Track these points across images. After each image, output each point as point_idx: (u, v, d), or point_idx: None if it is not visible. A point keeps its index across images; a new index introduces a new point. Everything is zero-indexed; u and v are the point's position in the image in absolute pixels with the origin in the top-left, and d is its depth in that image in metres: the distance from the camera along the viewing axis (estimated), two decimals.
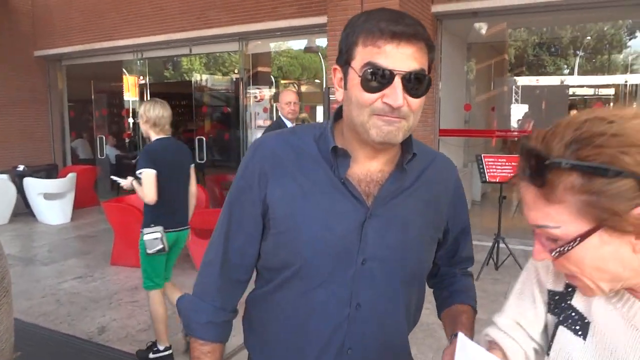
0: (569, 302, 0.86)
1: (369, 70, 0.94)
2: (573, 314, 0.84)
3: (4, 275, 1.00)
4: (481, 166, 4.89)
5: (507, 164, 4.95)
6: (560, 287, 0.88)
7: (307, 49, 11.86)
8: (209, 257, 1.17)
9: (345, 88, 1.02)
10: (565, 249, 0.71)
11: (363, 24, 0.97)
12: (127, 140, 11.39)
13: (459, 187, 1.23)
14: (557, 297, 0.89)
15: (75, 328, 3.98)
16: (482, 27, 9.11)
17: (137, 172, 3.23)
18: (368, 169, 1.08)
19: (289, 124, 4.22)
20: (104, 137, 10.16)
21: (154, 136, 3.34)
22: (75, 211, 8.10)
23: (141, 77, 9.68)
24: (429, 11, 6.38)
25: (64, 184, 7.86)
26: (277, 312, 1.15)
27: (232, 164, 9.40)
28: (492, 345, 0.96)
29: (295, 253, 1.07)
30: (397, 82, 0.94)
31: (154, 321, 3.44)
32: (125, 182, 3.44)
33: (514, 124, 12.37)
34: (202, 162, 8.90)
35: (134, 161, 9.33)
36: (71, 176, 7.97)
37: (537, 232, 0.75)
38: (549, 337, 0.89)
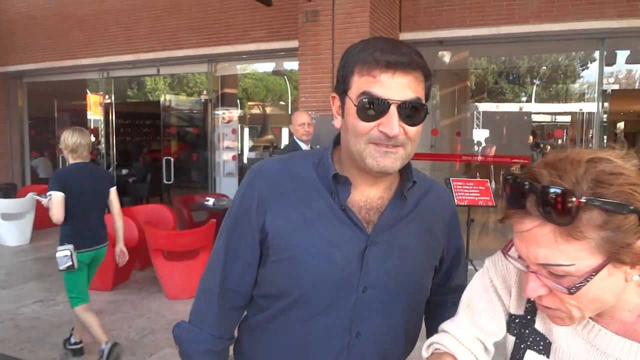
0: (533, 326, 0.90)
1: (364, 100, 0.96)
2: (537, 337, 0.89)
3: None
4: (450, 189, 5.02)
5: (474, 187, 5.10)
6: (521, 311, 0.92)
7: (275, 72, 11.98)
8: (206, 285, 1.17)
9: (343, 116, 1.04)
10: (582, 284, 0.72)
11: (359, 54, 0.99)
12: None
13: (454, 216, 1.26)
14: (517, 321, 0.92)
15: (37, 355, 3.83)
16: (445, 55, 9.42)
17: (47, 194, 3.49)
18: (368, 195, 1.09)
19: (303, 147, 4.20)
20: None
21: (71, 161, 3.57)
22: (35, 232, 7.82)
23: (106, 97, 9.53)
24: (397, 38, 6.58)
25: (23, 204, 7.60)
26: (273, 342, 1.13)
27: (199, 184, 9.31)
28: (444, 357, 0.94)
29: (296, 282, 1.07)
30: (393, 111, 0.95)
31: (90, 329, 3.57)
32: (44, 201, 3.60)
33: (476, 148, 12.70)
34: (170, 182, 8.78)
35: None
36: (31, 196, 7.71)
37: (535, 269, 0.76)
38: (507, 356, 0.93)
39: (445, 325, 1.00)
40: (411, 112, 0.97)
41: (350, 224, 1.07)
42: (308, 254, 1.06)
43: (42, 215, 8.01)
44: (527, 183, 0.73)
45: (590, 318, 0.82)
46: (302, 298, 1.07)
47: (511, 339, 0.93)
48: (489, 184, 5.41)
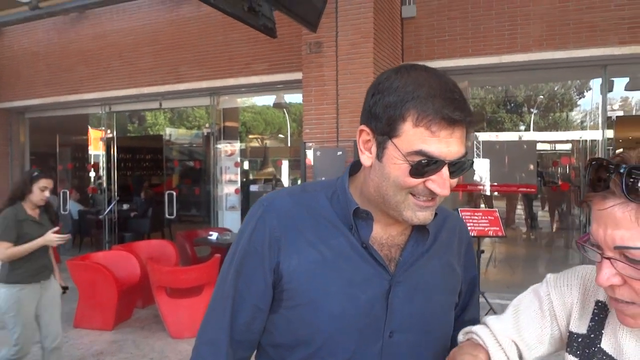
0: (598, 345, 0.85)
1: (423, 162, 0.86)
2: (603, 356, 0.83)
3: None
4: None
5: (483, 217, 5.00)
6: (583, 330, 0.88)
7: (276, 105, 12.04)
8: (211, 335, 1.02)
9: (379, 159, 0.93)
10: None
11: (414, 97, 0.87)
12: (90, 195, 11.05)
13: (470, 245, 1.19)
14: (580, 340, 0.87)
15: None
16: None
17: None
18: (390, 232, 1.01)
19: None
20: (67, 192, 9.82)
21: None
22: None
23: (108, 131, 9.51)
24: None
25: None
26: None
27: (201, 218, 9.21)
28: (478, 349, 0.93)
29: (315, 329, 0.96)
30: (445, 170, 0.88)
31: None
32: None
33: (477, 178, 12.68)
34: (172, 217, 8.67)
35: (100, 217, 9.05)
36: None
37: (610, 255, 0.73)
38: None
39: (488, 319, 0.98)
40: (458, 167, 0.91)
41: (373, 262, 0.97)
42: (329, 297, 0.96)
43: None
44: (611, 163, 0.72)
45: None
46: (324, 348, 0.96)
47: (572, 359, 0.88)
48: (497, 214, 5.32)
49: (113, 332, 5.07)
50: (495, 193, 10.69)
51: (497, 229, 5.08)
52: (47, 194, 3.45)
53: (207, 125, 8.62)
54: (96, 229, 9.62)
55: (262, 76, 7.43)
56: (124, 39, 8.53)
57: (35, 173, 3.48)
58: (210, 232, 6.57)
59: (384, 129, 0.90)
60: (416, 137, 0.86)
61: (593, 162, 0.76)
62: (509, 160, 12.63)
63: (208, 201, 8.44)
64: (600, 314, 0.87)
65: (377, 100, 0.91)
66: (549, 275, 0.97)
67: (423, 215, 0.93)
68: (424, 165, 0.86)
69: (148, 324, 5.33)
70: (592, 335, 0.86)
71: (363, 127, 0.95)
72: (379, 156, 0.92)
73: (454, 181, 0.91)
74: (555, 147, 16.11)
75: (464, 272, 1.15)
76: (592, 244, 0.77)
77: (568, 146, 15.08)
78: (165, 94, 8.36)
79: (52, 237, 3.35)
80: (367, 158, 0.95)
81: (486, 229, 4.99)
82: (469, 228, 4.99)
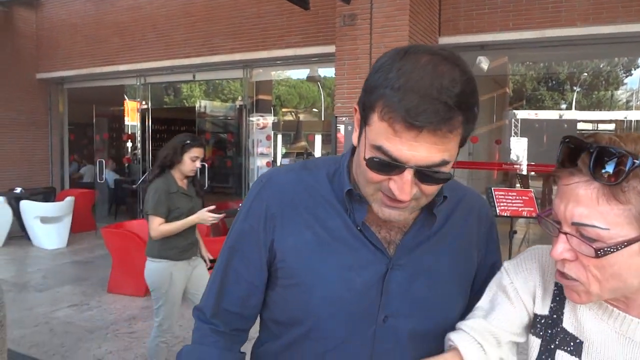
0: (561, 325, 0.87)
1: (375, 160, 0.79)
2: (566, 336, 0.86)
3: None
4: (492, 200, 4.80)
5: (517, 197, 4.87)
6: (545, 311, 0.90)
7: (310, 78, 11.94)
8: (203, 303, 1.05)
9: (358, 144, 0.87)
10: (610, 251, 0.71)
11: (387, 85, 0.76)
12: (126, 165, 11.30)
13: (492, 228, 1.09)
14: (543, 321, 0.89)
15: None
16: (482, 61, 9.18)
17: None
18: None
19: None
20: (103, 162, 10.05)
21: None
22: (72, 236, 7.93)
23: (143, 102, 9.64)
24: (436, 43, 6.40)
25: (62, 207, 7.72)
26: None
27: (233, 190, 9.30)
28: (452, 352, 0.92)
29: (308, 311, 0.94)
30: (407, 175, 0.78)
31: None
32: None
33: (513, 157, 12.40)
34: (204, 188, 8.78)
35: (134, 186, 9.26)
36: (69, 200, 7.83)
37: (567, 230, 0.76)
38: (532, 356, 0.89)
39: (459, 324, 0.96)
40: (431, 174, 0.79)
41: (369, 245, 0.93)
42: (322, 279, 0.93)
43: (79, 219, 8.16)
44: (582, 141, 0.74)
45: (614, 307, 0.81)
46: (316, 329, 0.94)
47: (536, 342, 0.90)
48: (532, 194, 5.17)
49: (145, 299, 5.21)
50: (532, 173, 10.43)
51: (532, 209, 4.94)
52: (198, 164, 3.19)
53: (240, 98, 8.61)
54: (131, 198, 9.86)
55: (295, 49, 7.34)
56: (157, 10, 8.55)
57: (188, 141, 3.16)
58: (241, 204, 6.63)
59: (362, 113, 0.83)
60: (380, 131, 0.78)
61: (566, 140, 0.77)
62: (548, 139, 12.28)
63: (240, 173, 8.50)
64: (560, 294, 0.88)
65: (367, 80, 0.83)
66: (506, 264, 0.96)
67: (389, 213, 0.85)
68: (381, 164, 0.79)
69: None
70: (554, 316, 0.88)
71: (356, 106, 0.88)
72: (358, 140, 0.86)
73: (431, 188, 0.82)
74: (597, 127, 15.56)
75: (484, 256, 1.07)
76: (553, 219, 0.80)
77: (611, 126, 14.57)
78: (199, 66, 8.37)
79: (206, 216, 3.10)
80: (355, 137, 0.89)
81: (520, 209, 4.85)
82: (502, 208, 4.87)
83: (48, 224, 7.63)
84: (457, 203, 1.02)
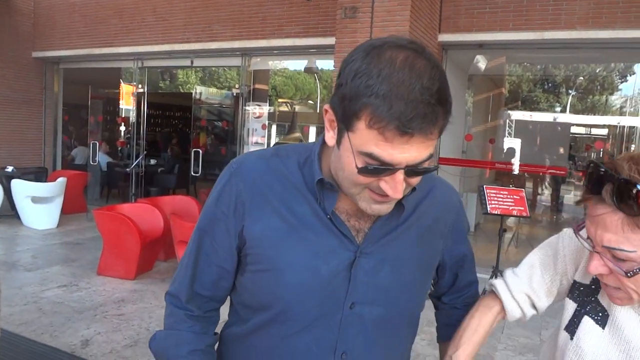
0: (596, 296, 0.99)
1: (370, 168, 0.80)
2: (597, 306, 0.97)
3: None
4: (483, 197, 4.85)
5: (508, 196, 4.91)
6: (587, 281, 1.01)
7: (307, 70, 11.92)
8: (175, 287, 1.06)
9: (338, 147, 0.86)
10: (638, 271, 0.82)
11: (371, 93, 0.76)
12: (120, 148, 11.25)
13: (459, 216, 1.13)
14: (582, 289, 1.01)
15: (58, 340, 3.81)
16: (480, 60, 9.21)
17: None
18: None
19: None
20: (97, 144, 10.01)
21: None
22: (63, 217, 7.90)
23: (139, 86, 9.59)
24: (436, 40, 6.42)
25: (54, 188, 7.68)
26: (252, 357, 1.04)
27: None
28: (496, 301, 1.11)
29: (276, 296, 0.96)
30: (399, 175, 0.81)
31: None
32: None
33: (506, 156, 12.47)
34: (197, 174, 8.79)
35: (127, 170, 9.25)
36: (61, 180, 7.80)
37: (600, 250, 0.86)
38: (564, 320, 1.02)
39: (506, 274, 1.13)
40: (418, 171, 0.83)
41: (338, 233, 0.95)
42: (290, 265, 0.94)
43: (70, 200, 8.14)
44: (605, 171, 0.82)
45: None
46: (283, 313, 0.96)
47: (572, 305, 1.02)
48: (523, 194, 5.21)
49: (134, 282, 5.22)
50: (525, 174, 10.50)
51: (522, 209, 4.99)
52: None
53: (237, 86, 8.58)
54: (123, 182, 9.84)
55: (294, 39, 7.32)
56: None
57: None
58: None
59: (341, 118, 0.82)
60: (369, 138, 0.78)
61: (591, 165, 0.86)
62: (541, 141, 12.36)
63: None
64: None
65: (339, 84, 0.82)
66: (566, 229, 1.08)
67: (378, 208, 0.88)
68: (373, 171, 0.80)
69: (168, 276, 5.47)
70: (593, 287, 1.00)
71: (327, 107, 0.87)
72: (338, 143, 0.86)
73: (416, 180, 0.86)
74: (590, 131, 15.65)
75: (451, 246, 1.12)
76: (588, 236, 0.89)
77: (604, 131, 14.65)
78: (197, 52, 8.34)
79: None
80: (330, 138, 0.88)
81: (510, 208, 4.90)
82: (493, 206, 4.92)
83: (39, 204, 7.60)
84: (426, 193, 1.04)
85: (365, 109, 0.76)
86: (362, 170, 0.81)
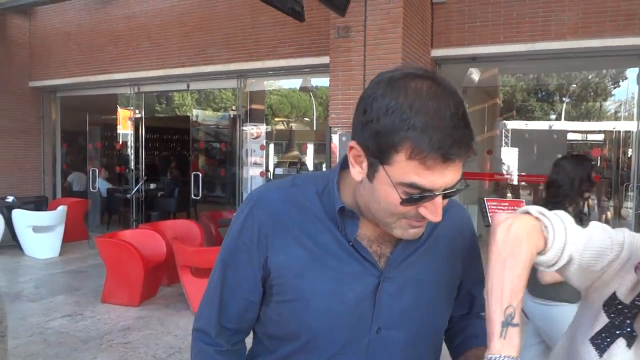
0: (631, 319, 0.90)
1: (415, 197, 0.83)
2: (628, 327, 0.90)
3: (1, 318, 0.91)
4: (484, 209, 4.87)
5: (509, 207, 4.93)
6: (627, 301, 0.91)
7: (302, 88, 12.01)
8: (202, 323, 1.07)
9: (370, 181, 0.88)
10: None
11: (409, 127, 0.79)
12: (119, 174, 11.27)
13: (473, 237, 1.15)
14: (620, 307, 0.92)
15: None
16: (473, 72, 9.30)
17: None
18: (381, 230, 0.98)
19: None
20: (96, 170, 10.03)
21: None
22: (64, 245, 7.89)
23: (137, 111, 9.65)
24: (429, 55, 6.50)
25: (54, 216, 7.69)
26: None
27: (227, 200, 9.32)
28: (541, 238, 0.89)
29: (303, 325, 0.97)
30: (439, 200, 0.85)
31: None
32: None
33: (504, 167, 12.51)
34: (197, 197, 8.80)
35: (127, 195, 9.25)
36: (62, 209, 7.81)
37: None
38: (595, 327, 0.92)
39: (568, 224, 0.91)
40: (453, 193, 0.87)
41: (361, 259, 0.97)
42: (316, 294, 0.96)
43: (71, 228, 8.13)
44: None
45: None
46: (311, 342, 0.98)
47: (604, 318, 0.92)
48: (524, 204, 5.23)
49: (139, 309, 5.20)
50: (523, 183, 10.53)
51: None
52: None
53: (233, 107, 8.65)
54: (124, 207, 9.84)
55: (289, 59, 7.41)
56: (152, 20, 8.59)
57: None
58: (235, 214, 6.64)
59: (375, 153, 0.84)
60: (409, 169, 0.81)
61: None
62: (538, 149, 12.41)
63: (233, 183, 8.52)
64: None
65: (369, 120, 0.84)
66: (628, 231, 0.95)
67: (414, 232, 0.92)
68: (416, 199, 0.84)
69: (173, 301, 5.45)
70: (630, 307, 0.91)
71: (354, 144, 0.89)
72: (370, 177, 0.88)
73: (446, 201, 0.89)
74: (587, 138, 15.73)
75: (469, 267, 1.13)
76: None
77: (600, 137, 14.73)
78: (193, 75, 8.41)
79: None
80: (358, 173, 0.90)
81: None
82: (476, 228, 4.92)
83: (40, 233, 7.59)
84: (442, 215, 1.07)
85: (405, 142, 0.80)
86: (406, 201, 0.84)
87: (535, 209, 0.93)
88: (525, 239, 0.87)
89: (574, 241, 0.92)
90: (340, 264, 0.96)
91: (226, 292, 1.03)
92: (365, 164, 0.88)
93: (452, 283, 1.10)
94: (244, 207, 1.03)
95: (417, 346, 1.03)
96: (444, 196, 0.85)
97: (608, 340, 0.91)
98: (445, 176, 0.82)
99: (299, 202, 1.00)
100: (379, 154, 0.84)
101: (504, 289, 0.84)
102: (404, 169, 0.82)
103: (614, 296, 0.93)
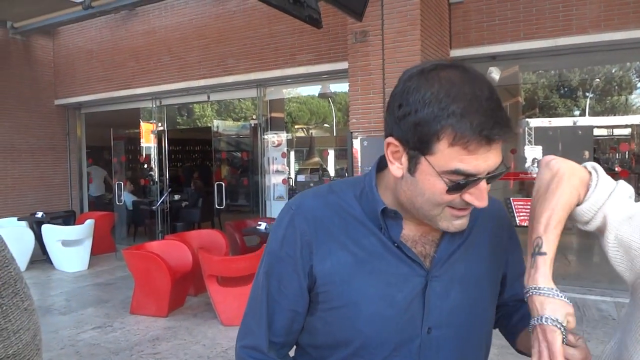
0: None
1: (461, 182, 0.84)
2: None
3: (36, 332, 0.93)
4: (511, 210, 4.79)
5: None
6: None
7: (321, 95, 12.04)
8: (252, 339, 1.03)
9: (412, 174, 0.89)
10: None
11: (449, 114, 0.81)
12: (144, 186, 11.45)
13: (511, 227, 1.14)
14: None
15: None
16: (493, 71, 9.20)
17: None
18: (423, 229, 0.99)
19: None
20: (122, 183, 10.20)
21: None
22: (92, 258, 8.02)
23: (159, 124, 9.79)
24: (448, 56, 6.45)
25: (83, 230, 7.82)
26: None
27: (250, 208, 9.37)
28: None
29: (354, 330, 0.96)
30: (484, 184, 0.85)
31: None
32: None
33: (528, 165, 12.31)
34: (221, 207, 8.87)
35: (152, 207, 9.37)
36: (89, 223, 7.94)
37: None
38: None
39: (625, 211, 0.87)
40: (495, 175, 0.86)
41: (408, 260, 0.96)
42: (366, 298, 0.95)
43: (99, 241, 8.27)
44: None
45: None
46: (363, 347, 0.96)
47: None
48: None
49: (167, 319, 5.24)
50: None
51: None
52: None
53: (253, 116, 8.72)
54: (149, 219, 9.97)
55: (307, 67, 7.44)
56: (172, 34, 8.73)
57: None
58: (259, 222, 6.66)
59: (416, 145, 0.85)
60: (452, 156, 0.82)
61: None
62: (563, 146, 12.18)
63: (256, 191, 8.57)
64: None
65: (406, 113, 0.85)
66: None
67: (459, 223, 0.92)
68: (462, 185, 0.84)
69: (200, 311, 5.49)
70: None
71: (391, 140, 0.90)
72: (411, 170, 0.89)
73: (489, 185, 0.89)
74: (613, 133, 15.40)
75: (512, 262, 1.12)
76: None
77: (627, 131, 14.40)
78: (213, 86, 8.52)
79: None
80: (397, 169, 0.91)
81: None
82: (522, 217, 4.85)
83: (69, 247, 7.73)
84: (479, 210, 1.04)
85: (446, 129, 0.81)
86: (452, 189, 0.85)
87: (590, 164, 0.92)
88: (567, 181, 0.88)
89: (616, 207, 0.87)
90: (387, 266, 0.96)
91: (272, 305, 1.01)
92: (404, 159, 0.89)
93: (496, 275, 1.08)
94: (283, 217, 1.02)
95: (468, 343, 1.02)
96: (488, 180, 0.86)
97: None
98: (489, 159, 0.83)
99: (339, 207, 1.00)
100: (420, 145, 0.85)
101: (535, 222, 0.87)
102: (447, 156, 0.83)
103: None
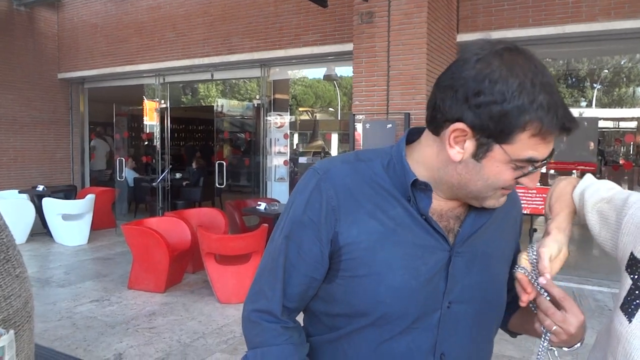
0: None
1: (530, 170, 0.88)
2: None
3: (27, 299, 0.92)
4: None
5: (537, 195, 4.82)
6: None
7: (326, 77, 11.96)
8: (265, 303, 1.00)
9: (478, 160, 0.88)
10: None
11: (536, 107, 0.81)
12: (145, 163, 11.45)
13: (520, 214, 1.16)
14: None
15: (92, 354, 3.87)
16: None
17: None
18: (450, 204, 0.98)
19: None
20: (123, 160, 10.19)
21: None
22: (92, 232, 8.05)
23: (162, 102, 9.75)
24: (455, 40, 6.38)
25: (83, 205, 7.84)
26: None
27: (251, 189, 9.37)
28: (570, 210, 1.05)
29: (376, 301, 0.94)
30: (541, 168, 0.90)
31: None
32: None
33: None
34: (222, 186, 8.88)
35: (153, 184, 9.39)
36: (90, 197, 7.96)
37: None
38: (622, 293, 0.91)
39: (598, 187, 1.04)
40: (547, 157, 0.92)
41: (434, 233, 0.95)
42: (390, 268, 0.93)
43: (99, 216, 8.30)
44: None
45: None
46: (383, 317, 0.94)
47: (628, 281, 0.91)
48: None
49: (164, 295, 5.27)
50: (552, 171, 10.30)
51: None
52: None
53: (257, 97, 8.67)
54: (150, 196, 9.99)
55: (312, 47, 7.36)
56: (177, 10, 8.65)
57: None
58: (259, 202, 6.66)
59: (494, 133, 0.85)
60: (529, 145, 0.85)
61: None
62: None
63: (257, 172, 8.56)
64: None
65: (490, 102, 0.83)
66: (634, 198, 0.95)
67: (503, 200, 0.96)
68: (530, 172, 0.88)
69: (197, 288, 5.51)
70: None
71: (461, 125, 0.86)
72: (478, 157, 0.88)
73: None
74: (619, 125, 15.29)
75: (517, 238, 1.15)
76: None
77: (633, 124, 14.29)
78: (217, 65, 8.45)
79: None
80: (457, 153, 0.89)
81: (540, 207, 4.81)
82: (522, 205, 4.83)
83: (69, 221, 7.76)
84: None
85: (534, 122, 0.83)
86: (524, 175, 0.89)
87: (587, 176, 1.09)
88: (568, 185, 1.07)
89: (593, 188, 1.03)
90: (414, 237, 0.95)
91: (288, 270, 0.98)
92: (470, 144, 0.88)
93: (510, 256, 1.10)
94: (308, 181, 0.99)
95: (484, 320, 1.03)
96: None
97: (635, 303, 0.89)
98: (551, 146, 0.87)
99: (368, 176, 0.98)
100: (498, 134, 0.85)
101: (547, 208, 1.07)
102: (525, 145, 0.85)
103: (632, 256, 0.91)
